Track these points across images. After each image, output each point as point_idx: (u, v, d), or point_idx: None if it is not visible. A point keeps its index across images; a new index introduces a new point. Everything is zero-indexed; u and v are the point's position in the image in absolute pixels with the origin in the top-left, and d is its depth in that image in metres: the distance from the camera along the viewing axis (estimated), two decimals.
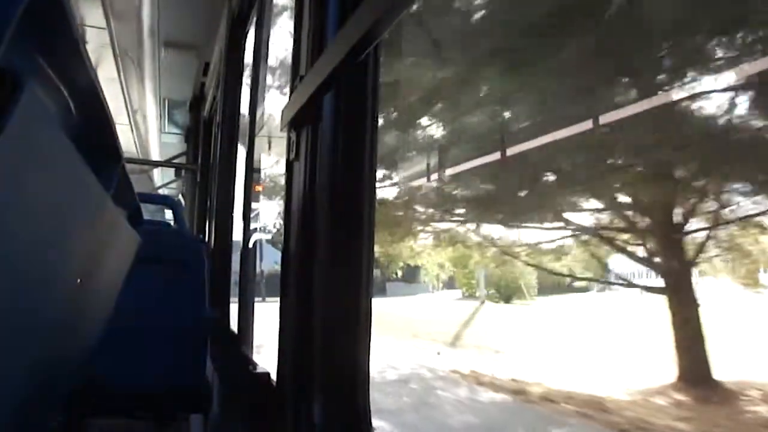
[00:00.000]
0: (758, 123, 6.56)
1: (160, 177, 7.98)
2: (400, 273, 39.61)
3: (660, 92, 6.87)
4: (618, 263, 11.54)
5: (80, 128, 0.92)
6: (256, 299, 3.17)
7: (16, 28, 0.50)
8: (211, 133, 4.20)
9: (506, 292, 26.16)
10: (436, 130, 10.27)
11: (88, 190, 0.95)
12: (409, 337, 15.68)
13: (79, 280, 1.13)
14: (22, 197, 0.65)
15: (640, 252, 9.20)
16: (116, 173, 1.19)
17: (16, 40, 0.51)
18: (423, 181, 10.68)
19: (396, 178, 11.29)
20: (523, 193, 9.66)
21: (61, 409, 1.91)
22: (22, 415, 1.10)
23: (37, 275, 0.85)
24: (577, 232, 10.43)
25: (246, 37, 3.17)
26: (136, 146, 6.88)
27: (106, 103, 1.00)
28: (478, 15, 8.20)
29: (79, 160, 0.82)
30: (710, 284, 9.55)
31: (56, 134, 0.70)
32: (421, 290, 38.65)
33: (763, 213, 7.51)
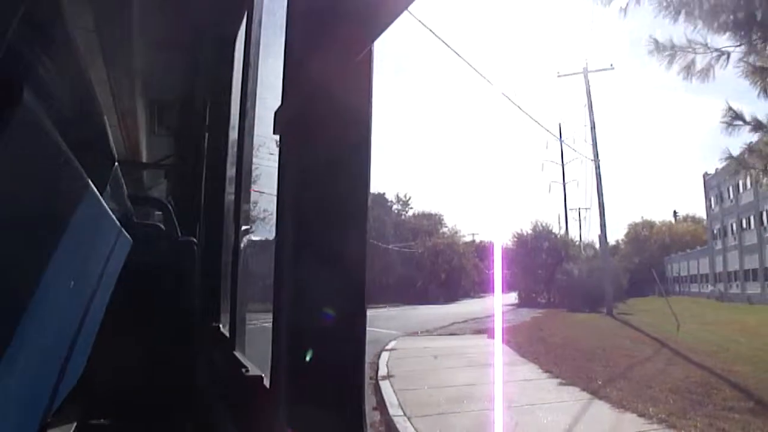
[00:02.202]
0: None
1: (151, 178, 7.91)
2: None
3: None
4: None
5: (75, 132, 0.91)
6: None
7: (14, 36, 0.49)
8: (202, 134, 4.17)
9: None
10: None
11: (81, 193, 0.95)
12: None
13: (72, 282, 1.13)
14: (18, 200, 0.64)
15: None
16: (109, 175, 1.18)
17: (15, 48, 0.51)
18: None
19: None
20: None
21: (56, 409, 1.90)
22: (17, 415, 1.09)
23: (29, 277, 0.84)
24: None
25: (237, 35, 3.15)
26: (125, 147, 6.82)
27: (101, 107, 0.99)
28: None
29: (74, 164, 0.82)
30: None
31: (52, 139, 0.70)
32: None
33: None
